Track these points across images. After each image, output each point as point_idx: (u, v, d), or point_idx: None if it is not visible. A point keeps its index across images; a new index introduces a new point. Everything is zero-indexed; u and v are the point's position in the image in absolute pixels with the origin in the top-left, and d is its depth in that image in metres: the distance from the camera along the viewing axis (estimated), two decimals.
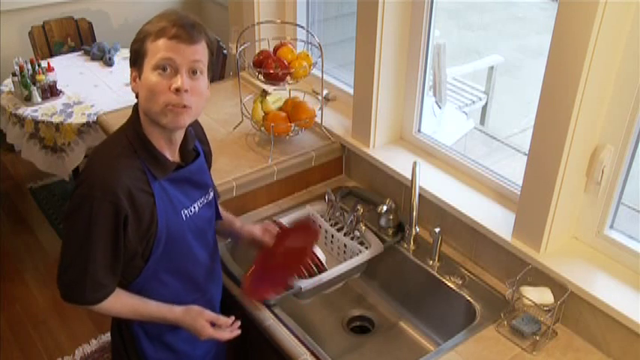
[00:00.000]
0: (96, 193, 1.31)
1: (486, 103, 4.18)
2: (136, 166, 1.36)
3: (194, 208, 1.48)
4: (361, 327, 1.95)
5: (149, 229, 1.38)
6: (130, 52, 1.36)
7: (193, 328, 1.51)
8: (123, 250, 1.37)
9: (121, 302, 1.44)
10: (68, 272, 1.39)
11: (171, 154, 1.43)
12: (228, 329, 1.55)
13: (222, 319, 1.54)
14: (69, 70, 3.62)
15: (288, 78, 2.14)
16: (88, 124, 3.09)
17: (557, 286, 1.58)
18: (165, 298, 1.49)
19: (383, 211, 1.90)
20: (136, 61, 1.35)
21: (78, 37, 4.06)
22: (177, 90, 1.30)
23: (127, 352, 1.56)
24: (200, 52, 1.34)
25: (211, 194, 1.57)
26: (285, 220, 1.91)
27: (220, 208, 1.66)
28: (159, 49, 1.30)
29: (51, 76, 3.29)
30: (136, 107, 1.41)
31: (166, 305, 1.49)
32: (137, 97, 1.39)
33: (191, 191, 1.48)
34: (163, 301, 1.49)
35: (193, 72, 1.33)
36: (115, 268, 1.39)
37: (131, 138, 1.38)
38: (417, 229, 1.89)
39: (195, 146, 1.52)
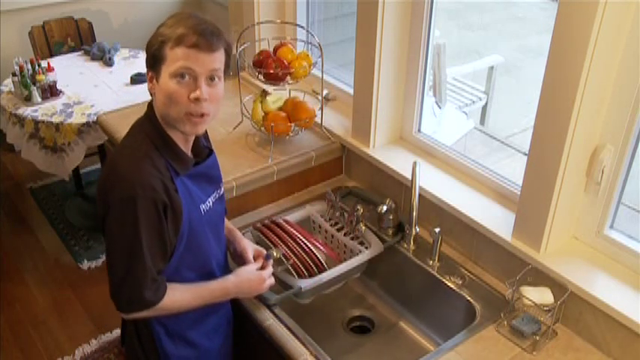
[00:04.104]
0: (137, 192, 1.30)
1: (486, 103, 4.18)
2: (162, 163, 1.37)
3: (209, 202, 1.50)
4: (361, 327, 1.95)
5: (178, 223, 1.39)
6: (147, 53, 1.35)
7: (251, 284, 1.55)
8: (167, 241, 1.37)
9: (180, 292, 1.44)
10: (127, 281, 1.37)
11: (187, 151, 1.45)
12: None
13: (267, 270, 1.60)
14: (69, 70, 3.62)
15: (288, 78, 2.14)
16: (88, 124, 3.09)
17: (557, 286, 1.58)
18: None
19: (383, 211, 1.90)
20: (153, 64, 1.34)
21: (78, 37, 4.06)
22: (197, 99, 1.31)
23: (145, 352, 1.54)
24: (219, 60, 1.34)
25: (222, 189, 1.58)
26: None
27: None
28: (177, 57, 1.30)
29: (51, 76, 3.29)
30: (151, 105, 1.41)
31: (218, 279, 1.51)
32: (151, 95, 1.39)
33: (206, 186, 1.50)
34: None
35: (211, 79, 1.34)
36: (164, 262, 1.40)
37: (153, 137, 1.39)
38: (417, 229, 1.89)
39: (204, 142, 1.54)
